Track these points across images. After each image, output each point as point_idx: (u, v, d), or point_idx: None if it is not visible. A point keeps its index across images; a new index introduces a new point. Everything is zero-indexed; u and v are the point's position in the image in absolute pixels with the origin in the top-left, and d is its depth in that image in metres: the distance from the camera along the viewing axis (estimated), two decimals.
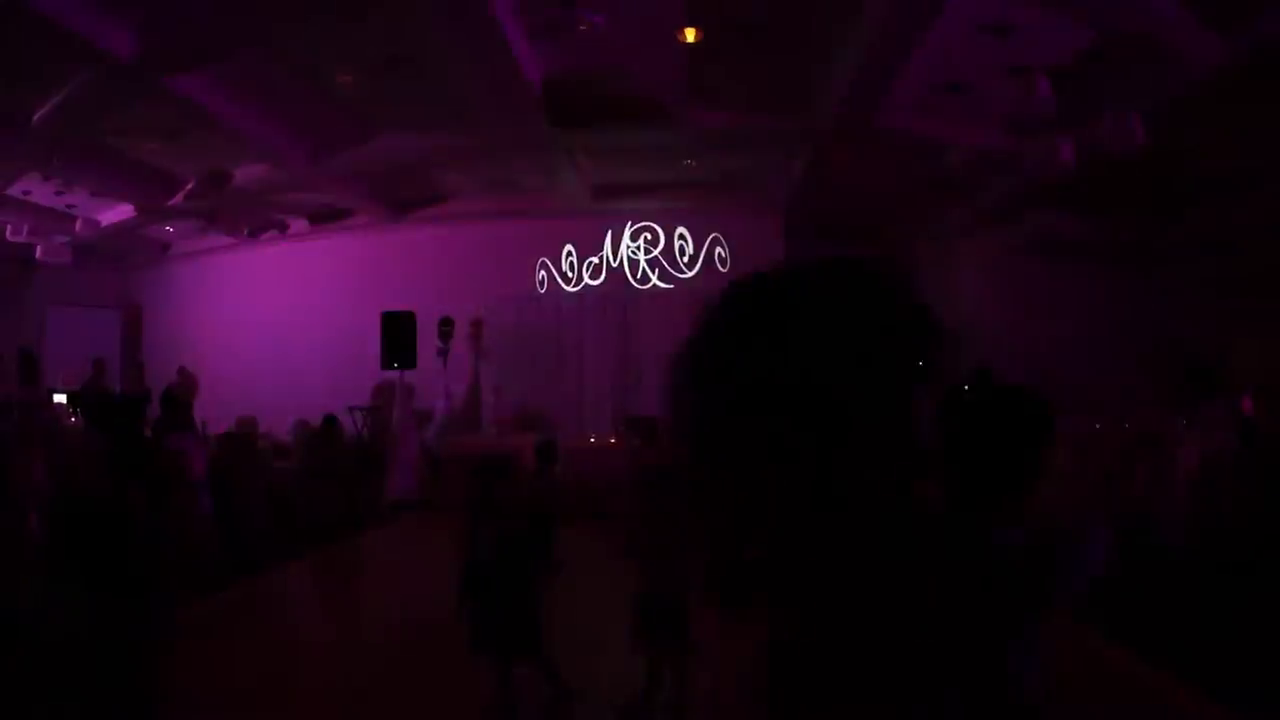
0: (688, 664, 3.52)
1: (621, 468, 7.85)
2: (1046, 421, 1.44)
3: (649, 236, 12.01)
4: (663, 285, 11.95)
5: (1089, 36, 6.57)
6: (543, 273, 12.13)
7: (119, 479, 7.09)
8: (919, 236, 12.16)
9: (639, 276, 12.01)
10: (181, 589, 5.08)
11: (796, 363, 0.65)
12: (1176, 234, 11.84)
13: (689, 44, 7.02)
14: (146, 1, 6.37)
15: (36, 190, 10.87)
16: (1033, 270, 12.80)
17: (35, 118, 8.23)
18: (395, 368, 10.37)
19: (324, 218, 12.70)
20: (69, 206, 11.78)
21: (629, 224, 12.01)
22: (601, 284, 12.05)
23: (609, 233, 12.05)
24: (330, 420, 8.98)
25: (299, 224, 13.05)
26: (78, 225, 12.30)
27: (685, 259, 11.97)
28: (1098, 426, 7.78)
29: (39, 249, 12.56)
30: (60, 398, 10.11)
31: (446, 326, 11.21)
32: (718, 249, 11.90)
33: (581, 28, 6.57)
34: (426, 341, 10.81)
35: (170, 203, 11.11)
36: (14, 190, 10.70)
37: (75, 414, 9.15)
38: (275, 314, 13.43)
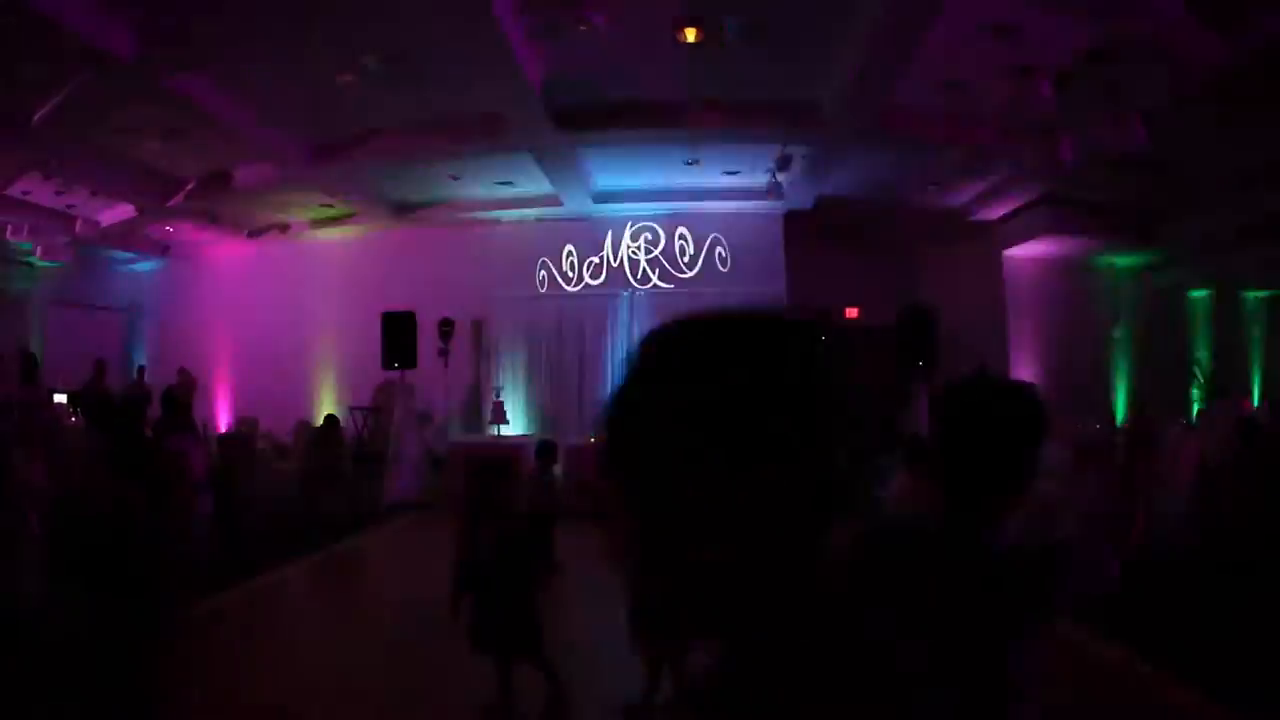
0: (688, 664, 3.52)
1: None
2: (1039, 419, 1.44)
3: (649, 236, 12.02)
4: (663, 285, 11.96)
5: (1089, 36, 6.56)
6: (543, 273, 12.14)
7: (119, 479, 7.09)
8: (919, 236, 12.17)
9: (639, 276, 12.01)
10: (181, 589, 5.08)
11: (704, 404, 0.69)
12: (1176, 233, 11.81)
13: (689, 44, 7.01)
14: (146, 1, 6.38)
15: (36, 190, 10.87)
16: (1033, 269, 12.80)
17: (35, 118, 8.23)
18: (395, 368, 10.36)
19: (324, 218, 12.70)
20: (69, 206, 11.78)
21: (629, 224, 12.02)
22: (601, 284, 12.06)
23: (609, 233, 12.06)
24: (330, 420, 8.98)
25: (299, 224, 13.04)
26: (78, 225, 12.30)
27: (685, 259, 11.98)
28: (1098, 426, 7.78)
29: (39, 249, 12.56)
30: (60, 398, 10.11)
31: (447, 327, 11.22)
32: (718, 249, 11.91)
33: (581, 28, 6.57)
34: (427, 341, 10.81)
35: (170, 203, 11.11)
36: (14, 190, 10.70)
37: (75, 414, 9.15)
38: (275, 314, 13.42)
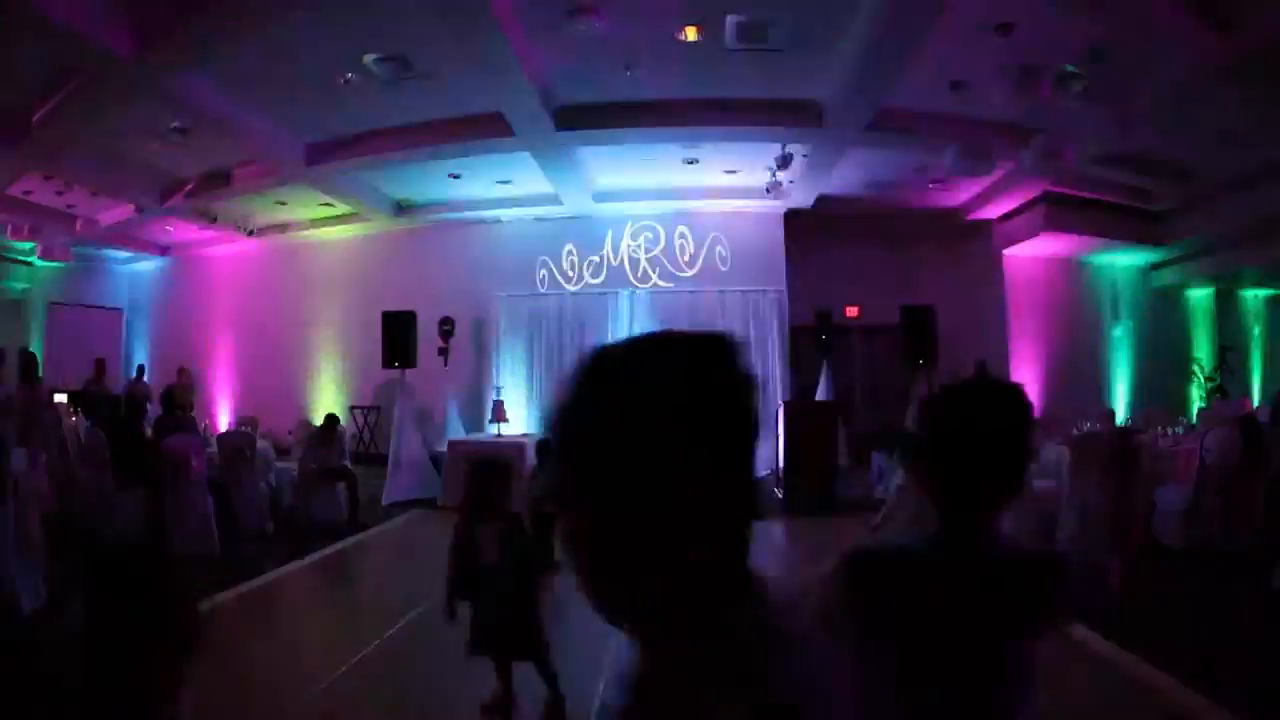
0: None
1: None
2: (1026, 420, 1.44)
3: (649, 235, 12.02)
4: (663, 284, 11.96)
5: (1089, 35, 6.55)
6: (543, 272, 12.14)
7: (119, 479, 7.09)
8: (919, 235, 12.16)
9: (639, 275, 12.01)
10: (182, 589, 5.08)
11: (627, 421, 0.74)
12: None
13: (689, 43, 7.01)
14: (146, 1, 6.37)
15: (36, 190, 10.87)
16: (1033, 268, 12.80)
17: (35, 118, 8.23)
18: (395, 367, 10.36)
19: (324, 218, 12.69)
20: (69, 206, 11.78)
21: (629, 223, 12.02)
22: (602, 283, 12.05)
23: (609, 232, 12.06)
24: (330, 420, 8.97)
25: (299, 224, 13.04)
26: (78, 225, 12.30)
27: (685, 258, 11.98)
28: (1098, 426, 7.77)
29: (39, 249, 12.57)
30: (60, 397, 10.11)
31: (447, 326, 11.21)
32: (718, 248, 11.90)
33: (581, 28, 6.56)
34: (427, 341, 10.80)
35: (170, 203, 11.11)
36: (14, 190, 10.70)
37: (75, 413, 9.15)
38: (275, 314, 13.43)
